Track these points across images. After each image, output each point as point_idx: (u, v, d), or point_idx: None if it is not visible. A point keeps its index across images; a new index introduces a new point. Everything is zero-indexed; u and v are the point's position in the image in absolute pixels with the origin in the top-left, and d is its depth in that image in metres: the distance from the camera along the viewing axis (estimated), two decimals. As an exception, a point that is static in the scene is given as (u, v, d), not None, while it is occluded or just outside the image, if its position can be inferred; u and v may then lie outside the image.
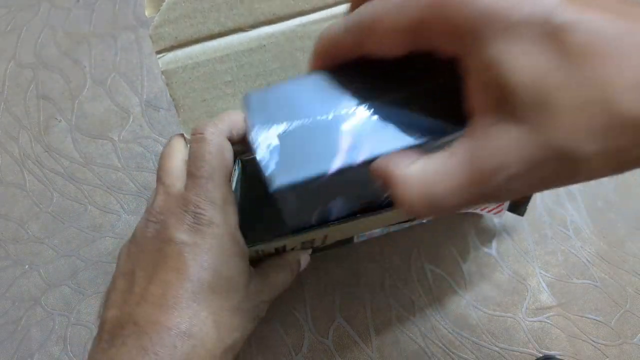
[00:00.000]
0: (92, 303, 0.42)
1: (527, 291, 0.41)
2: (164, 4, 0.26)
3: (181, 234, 0.22)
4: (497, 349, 0.40)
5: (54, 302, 0.42)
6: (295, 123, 0.19)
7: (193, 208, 0.23)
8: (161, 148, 0.47)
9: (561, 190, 0.45)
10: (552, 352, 0.40)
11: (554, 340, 0.40)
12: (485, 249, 0.43)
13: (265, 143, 0.19)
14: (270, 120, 0.19)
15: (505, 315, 0.41)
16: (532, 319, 0.41)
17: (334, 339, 0.40)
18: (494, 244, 0.43)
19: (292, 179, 0.18)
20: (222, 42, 0.27)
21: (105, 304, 0.23)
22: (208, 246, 0.22)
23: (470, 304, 0.41)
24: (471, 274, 0.42)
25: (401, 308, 0.41)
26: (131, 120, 0.48)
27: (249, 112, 0.20)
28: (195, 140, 0.24)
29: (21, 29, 0.53)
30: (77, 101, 0.49)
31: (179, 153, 0.25)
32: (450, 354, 0.40)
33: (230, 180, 0.24)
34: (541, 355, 0.39)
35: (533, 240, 0.43)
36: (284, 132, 0.19)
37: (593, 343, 0.40)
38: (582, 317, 0.41)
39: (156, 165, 0.46)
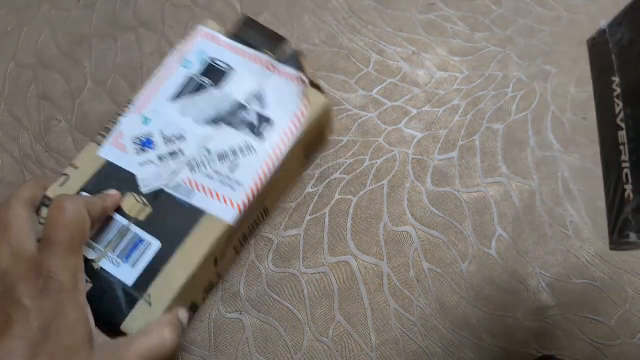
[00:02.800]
0: (93, 303, 0.42)
1: (527, 291, 0.42)
2: None
3: (28, 299, 0.22)
4: (496, 348, 0.40)
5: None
6: None
7: (46, 272, 0.23)
8: (161, 148, 0.47)
9: (561, 191, 0.45)
10: (551, 352, 0.40)
11: (553, 340, 0.40)
12: (485, 249, 0.43)
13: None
14: None
15: (504, 315, 0.41)
16: (531, 319, 0.41)
17: (334, 338, 0.40)
18: (494, 244, 0.43)
19: None
20: None
21: None
22: (53, 313, 0.22)
23: (470, 304, 0.41)
24: (471, 274, 0.42)
25: (400, 307, 0.41)
26: (131, 120, 0.48)
27: None
28: (55, 208, 0.24)
29: (21, 29, 0.53)
30: (77, 101, 0.49)
31: (23, 211, 0.26)
32: (450, 353, 0.40)
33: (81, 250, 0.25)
34: (541, 355, 0.39)
35: (532, 241, 0.43)
36: None
37: (592, 343, 0.40)
38: (581, 316, 0.41)
39: (156, 165, 0.47)
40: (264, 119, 0.29)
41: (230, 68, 0.30)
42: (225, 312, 0.41)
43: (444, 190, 0.45)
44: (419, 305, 0.41)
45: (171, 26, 0.52)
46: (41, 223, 0.26)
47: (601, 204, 0.44)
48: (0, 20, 0.53)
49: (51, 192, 0.27)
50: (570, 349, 0.40)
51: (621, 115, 0.24)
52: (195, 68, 0.30)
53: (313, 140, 0.31)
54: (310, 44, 0.51)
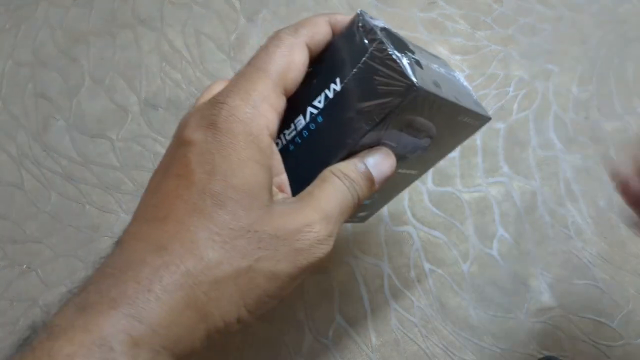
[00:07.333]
0: (91, 303, 0.42)
1: (528, 292, 0.41)
2: None
3: (193, 132, 0.18)
4: (498, 350, 0.40)
5: (52, 302, 0.42)
6: (414, 59, 0.21)
7: (219, 97, 0.19)
8: (160, 147, 0.47)
9: (562, 191, 0.45)
10: (553, 353, 0.39)
11: (555, 341, 0.40)
12: (487, 250, 0.43)
13: (403, 59, 0.20)
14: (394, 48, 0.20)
15: (506, 316, 0.40)
16: (533, 320, 0.40)
17: (334, 339, 0.40)
18: (495, 244, 0.43)
19: (431, 90, 0.20)
20: None
21: None
22: (218, 146, 0.18)
23: (471, 305, 0.41)
24: (472, 274, 0.42)
25: (401, 308, 0.41)
26: (130, 119, 0.48)
27: (376, 32, 0.21)
28: (269, 38, 0.21)
29: (19, 27, 0.52)
30: (75, 100, 0.49)
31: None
32: (451, 354, 0.39)
33: (281, 85, 0.20)
34: (542, 356, 0.39)
35: (534, 241, 0.43)
36: (410, 60, 0.20)
37: (594, 344, 0.40)
38: (583, 318, 0.40)
39: (154, 164, 0.46)
40: None
41: None
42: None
43: (445, 190, 0.45)
44: (419, 306, 0.41)
45: (170, 24, 0.52)
46: None
47: (603, 204, 0.44)
48: (-3, 18, 0.53)
49: None
50: (572, 351, 0.39)
51: None
52: None
53: None
54: (310, 42, 0.51)
